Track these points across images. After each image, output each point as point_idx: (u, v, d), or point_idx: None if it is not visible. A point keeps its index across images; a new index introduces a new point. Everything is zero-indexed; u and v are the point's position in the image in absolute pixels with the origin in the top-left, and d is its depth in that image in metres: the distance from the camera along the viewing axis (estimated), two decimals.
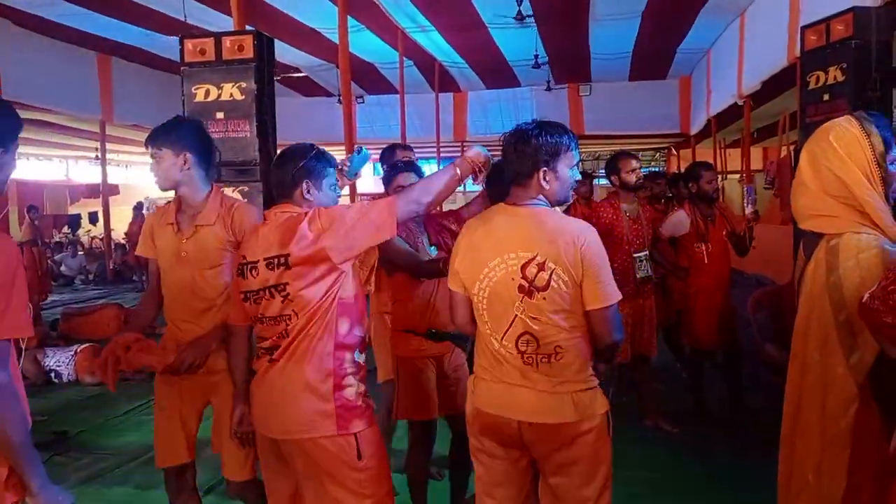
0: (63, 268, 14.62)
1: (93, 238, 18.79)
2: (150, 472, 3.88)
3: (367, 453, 2.23)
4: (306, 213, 2.23)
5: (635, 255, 4.48)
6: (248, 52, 4.26)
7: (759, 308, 4.28)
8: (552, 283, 2.09)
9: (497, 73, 12.33)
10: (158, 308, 2.80)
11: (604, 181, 5.15)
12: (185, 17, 7.92)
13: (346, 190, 9.69)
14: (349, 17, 6.77)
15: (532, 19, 8.76)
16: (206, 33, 4.40)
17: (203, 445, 2.85)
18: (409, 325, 3.04)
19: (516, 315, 2.13)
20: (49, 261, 13.22)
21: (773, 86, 8.10)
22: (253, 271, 2.26)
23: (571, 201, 6.00)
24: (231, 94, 4.26)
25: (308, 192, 2.30)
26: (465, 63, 11.69)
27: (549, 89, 12.64)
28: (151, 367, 2.62)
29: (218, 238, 2.65)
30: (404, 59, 9.97)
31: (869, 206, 1.94)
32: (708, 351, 4.95)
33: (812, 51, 4.70)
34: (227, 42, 4.27)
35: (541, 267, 2.09)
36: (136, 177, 21.79)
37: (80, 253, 15.38)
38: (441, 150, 12.55)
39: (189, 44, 4.26)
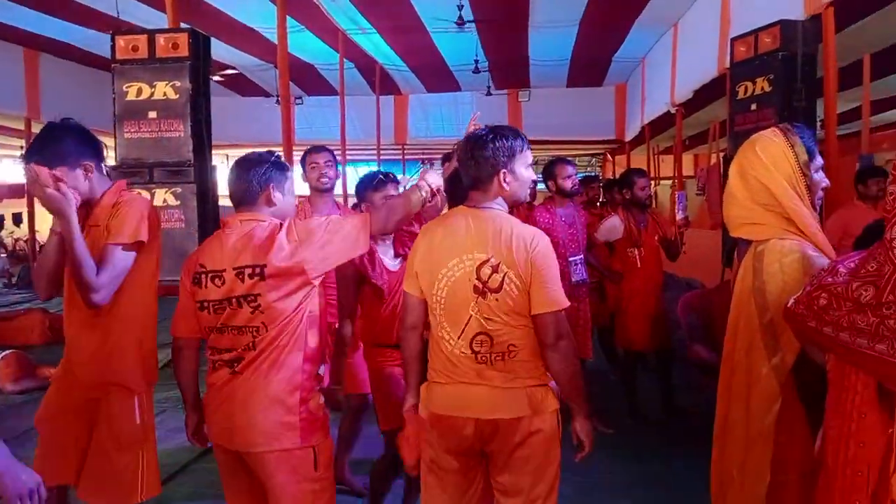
0: None
1: (16, 240, 18.03)
2: None
3: (322, 464, 2.26)
4: (281, 224, 2.23)
5: (570, 258, 4.56)
6: (184, 51, 4.19)
7: (689, 311, 4.43)
8: (504, 285, 2.15)
9: (438, 76, 12.36)
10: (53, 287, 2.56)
11: (541, 186, 5.22)
12: (118, 12, 7.69)
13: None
14: (288, 18, 6.69)
15: (473, 24, 8.83)
16: (139, 30, 4.30)
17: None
18: (378, 340, 3.06)
19: (471, 315, 2.19)
20: None
21: (704, 95, 8.33)
22: (216, 280, 2.21)
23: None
24: (165, 93, 4.18)
25: (273, 197, 2.30)
26: (406, 66, 11.69)
27: (489, 94, 12.74)
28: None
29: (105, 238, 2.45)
30: (345, 60, 9.91)
31: (795, 214, 2.03)
32: (641, 352, 5.07)
33: (741, 62, 4.87)
34: (161, 39, 4.18)
35: (494, 269, 2.16)
36: None
37: (2, 255, 14.77)
38: (381, 152, 12.51)
39: (121, 40, 4.16)
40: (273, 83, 11.68)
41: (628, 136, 13.58)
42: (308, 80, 12.19)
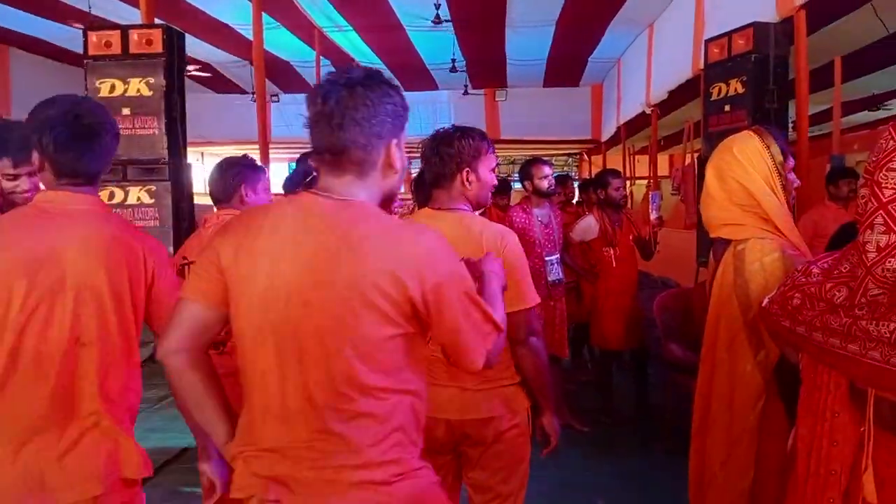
0: None
1: None
2: None
3: None
4: None
5: (547, 258, 4.57)
6: (157, 47, 4.14)
7: (663, 310, 4.47)
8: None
9: (415, 75, 12.34)
10: None
11: (517, 185, 5.24)
12: (90, 7, 7.58)
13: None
14: (264, 14, 6.64)
15: (450, 23, 8.83)
16: (112, 25, 4.25)
17: None
18: None
19: None
20: None
21: (679, 96, 8.39)
22: None
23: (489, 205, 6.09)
24: (138, 90, 4.13)
25: (246, 195, 2.69)
26: (383, 64, 11.64)
27: (466, 93, 12.74)
28: None
29: None
30: (321, 58, 9.85)
31: (773, 213, 2.08)
32: (616, 351, 5.10)
33: (714, 64, 4.92)
34: (134, 35, 4.13)
35: None
36: None
37: None
38: None
39: (94, 36, 4.11)
40: (249, 80, 11.59)
41: (604, 137, 13.65)
42: (284, 77, 12.11)
